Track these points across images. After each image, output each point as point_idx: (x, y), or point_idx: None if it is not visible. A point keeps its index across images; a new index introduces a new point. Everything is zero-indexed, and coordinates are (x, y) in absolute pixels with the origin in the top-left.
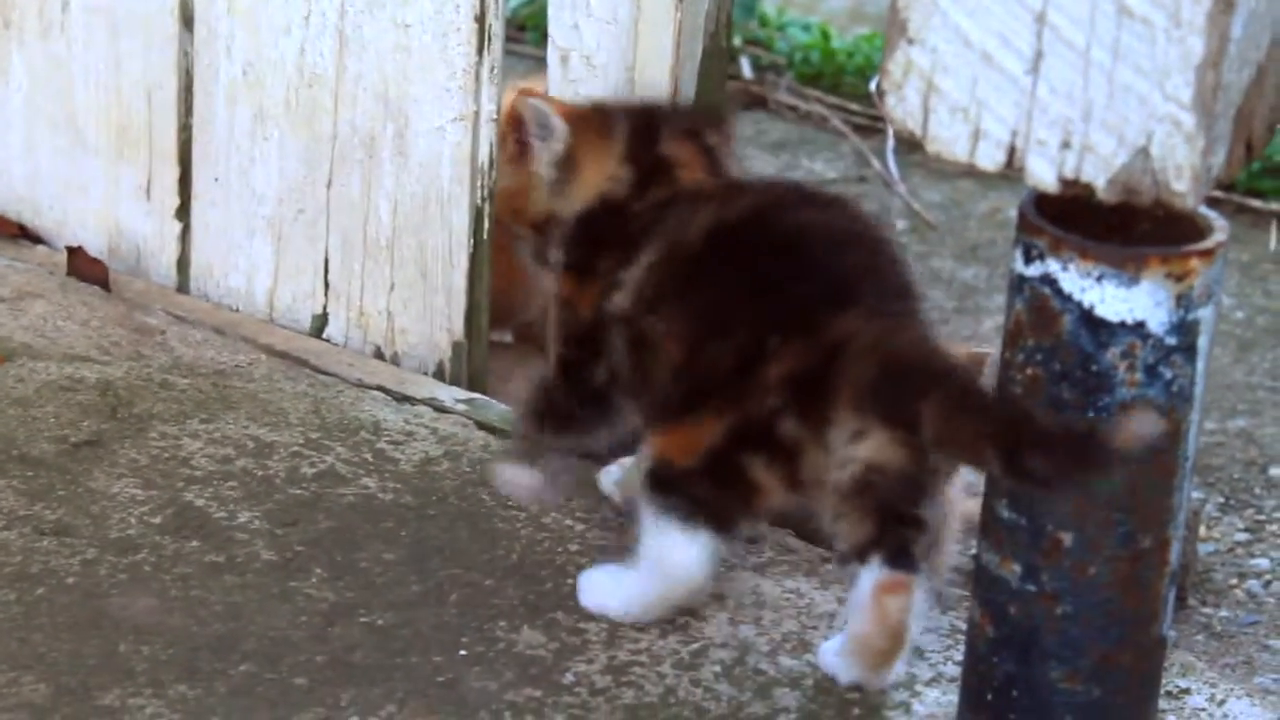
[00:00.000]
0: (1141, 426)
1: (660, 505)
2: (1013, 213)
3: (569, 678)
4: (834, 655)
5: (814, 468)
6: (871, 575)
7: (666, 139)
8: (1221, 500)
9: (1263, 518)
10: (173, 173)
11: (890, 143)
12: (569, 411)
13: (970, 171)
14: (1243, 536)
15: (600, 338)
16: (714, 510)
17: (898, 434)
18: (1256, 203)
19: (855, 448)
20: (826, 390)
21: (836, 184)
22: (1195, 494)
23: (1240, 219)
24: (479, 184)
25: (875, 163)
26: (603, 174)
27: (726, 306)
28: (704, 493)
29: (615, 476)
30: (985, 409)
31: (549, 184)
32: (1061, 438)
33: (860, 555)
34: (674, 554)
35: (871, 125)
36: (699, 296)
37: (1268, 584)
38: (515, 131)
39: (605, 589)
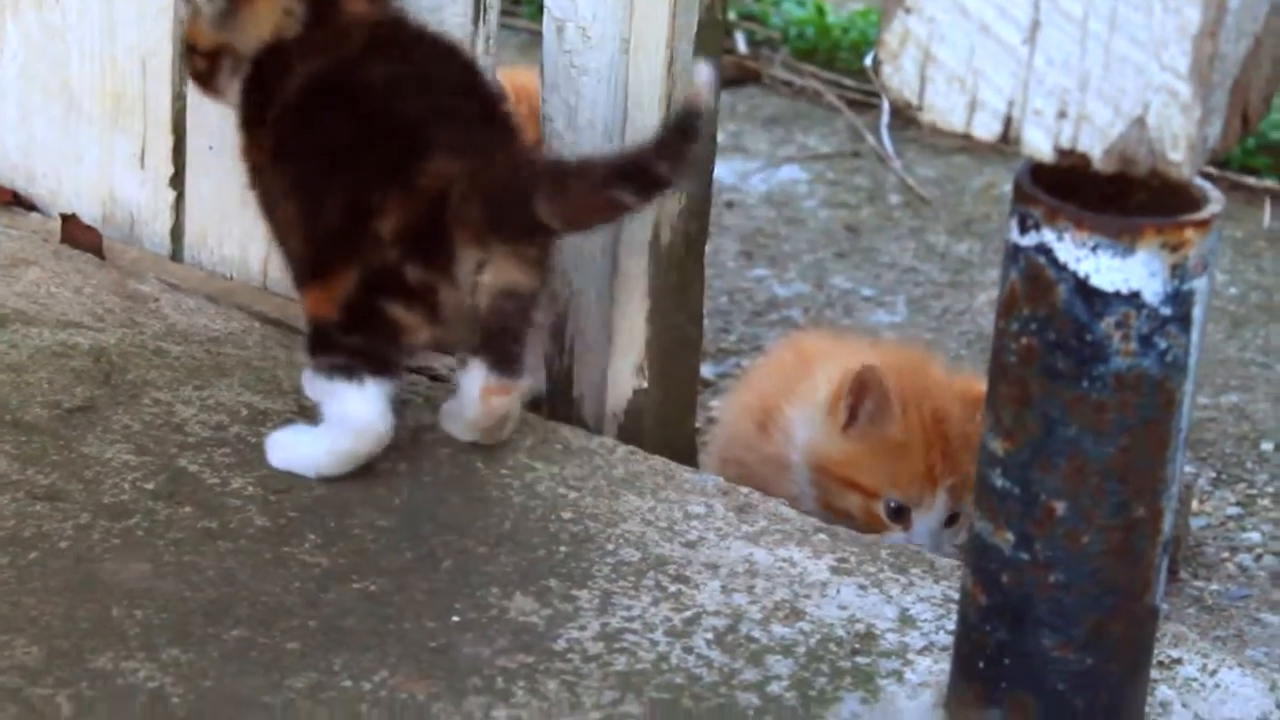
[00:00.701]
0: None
1: (324, 365)
2: (1007, 188)
3: (561, 644)
4: (451, 420)
5: (449, 303)
6: (478, 377)
7: None
8: (1213, 475)
9: (1254, 492)
10: (167, 141)
11: (885, 118)
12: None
13: (964, 147)
14: (1234, 511)
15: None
16: (368, 356)
17: (523, 254)
18: (1250, 180)
19: (481, 276)
20: (442, 232)
21: (831, 159)
22: (1188, 468)
23: (1234, 196)
24: None
25: (870, 138)
26: (275, 7)
27: (326, 164)
28: (354, 341)
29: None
30: (593, 169)
31: (213, 17)
32: (668, 137)
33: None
34: (351, 409)
35: (866, 100)
36: (303, 154)
37: (1259, 558)
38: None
39: (293, 447)
